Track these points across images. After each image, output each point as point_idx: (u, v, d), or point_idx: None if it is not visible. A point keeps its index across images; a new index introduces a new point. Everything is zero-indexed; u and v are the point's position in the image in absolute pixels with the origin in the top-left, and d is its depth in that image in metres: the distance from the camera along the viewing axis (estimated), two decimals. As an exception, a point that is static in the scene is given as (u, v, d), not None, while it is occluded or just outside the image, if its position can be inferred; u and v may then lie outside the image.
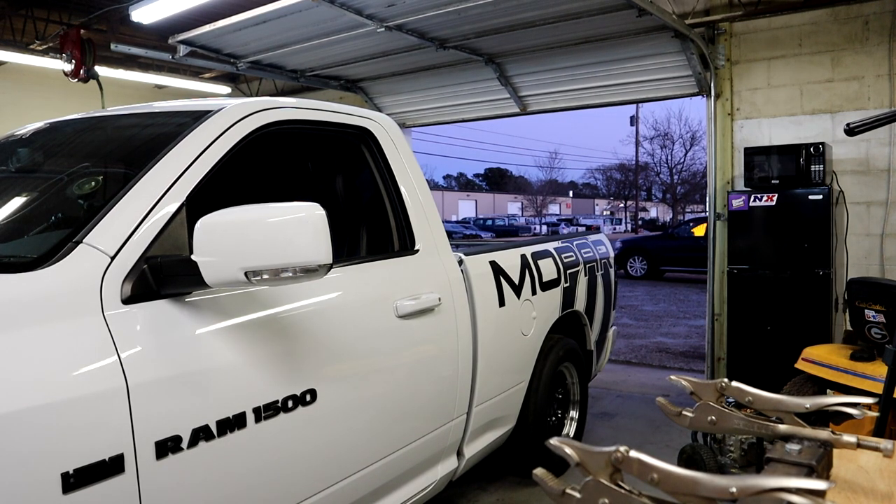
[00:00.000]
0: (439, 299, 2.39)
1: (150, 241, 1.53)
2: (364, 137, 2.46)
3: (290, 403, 1.73)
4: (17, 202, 1.96)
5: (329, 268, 1.52)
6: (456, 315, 2.49)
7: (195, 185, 1.70)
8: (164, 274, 1.51)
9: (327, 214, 1.53)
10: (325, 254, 1.48)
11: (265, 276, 1.46)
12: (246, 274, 1.45)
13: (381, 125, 2.52)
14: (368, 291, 2.14)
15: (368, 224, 2.76)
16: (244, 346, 1.65)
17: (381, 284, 2.20)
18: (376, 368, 2.10)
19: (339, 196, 2.85)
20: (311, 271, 1.49)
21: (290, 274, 1.48)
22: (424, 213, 2.54)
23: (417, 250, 2.45)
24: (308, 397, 1.80)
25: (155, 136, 1.96)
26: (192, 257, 1.47)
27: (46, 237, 1.67)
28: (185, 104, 2.18)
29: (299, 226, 1.47)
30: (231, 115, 1.89)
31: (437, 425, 2.41)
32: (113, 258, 1.47)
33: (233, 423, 1.57)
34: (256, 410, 1.63)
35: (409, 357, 2.26)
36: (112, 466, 1.31)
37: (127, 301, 1.46)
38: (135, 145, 2.05)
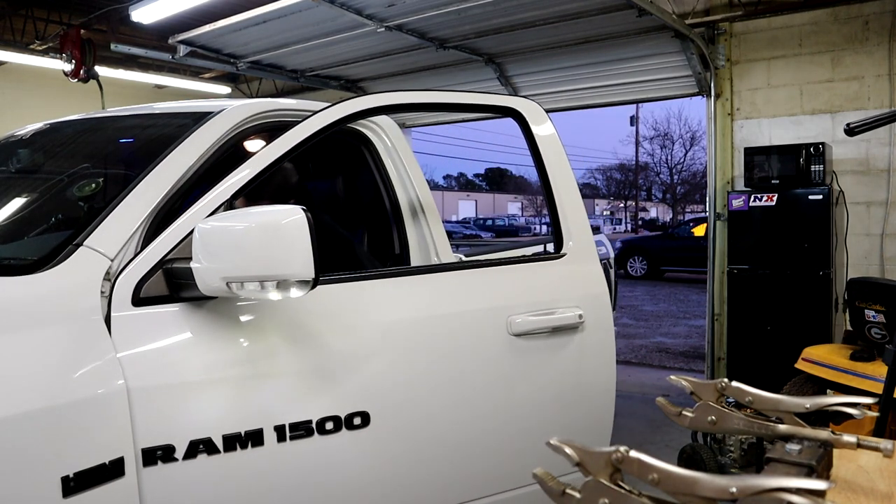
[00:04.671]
0: (580, 316, 2.00)
1: (165, 244, 1.49)
2: (364, 138, 2.46)
3: (328, 425, 1.55)
4: (17, 204, 1.95)
5: (313, 284, 1.36)
6: (605, 338, 2.10)
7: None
8: (179, 279, 1.45)
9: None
10: (305, 267, 1.34)
11: (246, 287, 1.36)
12: (228, 284, 1.36)
13: (379, 125, 2.51)
14: (463, 303, 1.86)
15: (370, 228, 2.75)
16: (270, 357, 1.55)
17: (487, 295, 1.91)
18: (466, 396, 1.82)
19: (342, 198, 2.83)
20: (291, 286, 1.35)
21: (267, 287, 1.35)
22: (422, 217, 2.52)
23: (564, 254, 2.08)
24: (357, 420, 1.60)
25: (155, 137, 1.96)
26: (190, 264, 1.42)
27: (46, 239, 1.66)
28: (185, 105, 2.17)
29: (276, 233, 1.33)
30: (232, 117, 1.88)
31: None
32: (112, 260, 1.45)
33: (245, 440, 1.45)
34: (279, 429, 1.48)
35: (522, 386, 1.92)
36: (112, 470, 1.30)
37: (136, 304, 1.42)
38: (135, 147, 2.04)
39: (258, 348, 1.56)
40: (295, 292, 1.36)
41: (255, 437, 1.47)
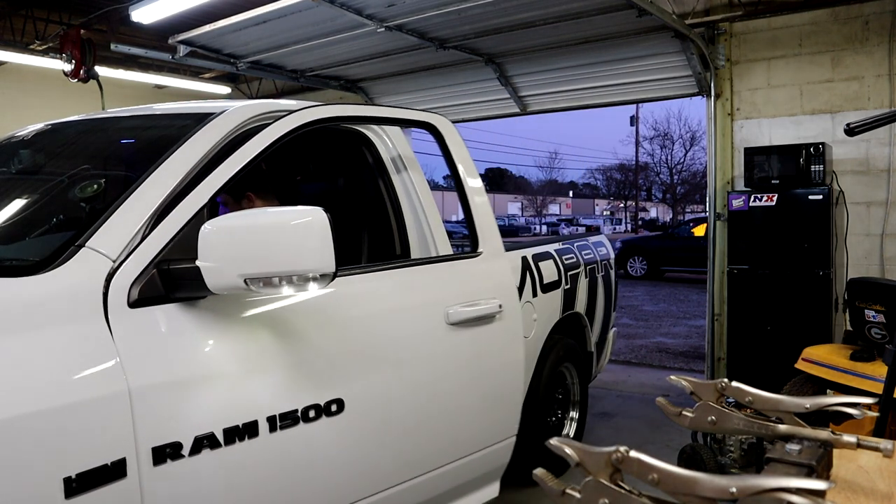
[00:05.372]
0: (500, 306, 2.31)
1: (155, 244, 1.51)
2: (365, 138, 2.46)
3: (311, 413, 1.67)
4: (18, 205, 1.96)
5: (332, 277, 1.45)
6: (517, 324, 2.42)
7: (198, 188, 1.68)
8: (173, 278, 1.48)
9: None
10: (325, 262, 1.42)
11: (264, 284, 1.42)
12: (245, 281, 1.41)
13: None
14: (411, 296, 2.08)
15: (369, 227, 2.75)
16: (259, 352, 1.61)
17: (428, 289, 2.14)
18: (416, 380, 2.01)
19: (343, 198, 2.83)
20: (311, 280, 1.43)
21: (291, 282, 1.42)
22: (426, 216, 2.52)
23: (481, 252, 2.39)
24: (334, 407, 1.73)
25: (157, 138, 1.96)
26: (197, 262, 1.45)
27: (48, 240, 1.67)
28: (186, 106, 2.18)
29: (299, 232, 1.41)
30: (233, 118, 1.88)
31: (482, 446, 2.30)
32: (115, 261, 1.46)
33: (242, 432, 1.52)
34: (271, 419, 1.57)
35: (459, 369, 2.16)
36: (114, 471, 1.31)
37: (133, 305, 1.44)
38: (137, 148, 2.04)
39: (249, 343, 1.62)
40: (313, 286, 1.45)
41: (251, 429, 1.54)
